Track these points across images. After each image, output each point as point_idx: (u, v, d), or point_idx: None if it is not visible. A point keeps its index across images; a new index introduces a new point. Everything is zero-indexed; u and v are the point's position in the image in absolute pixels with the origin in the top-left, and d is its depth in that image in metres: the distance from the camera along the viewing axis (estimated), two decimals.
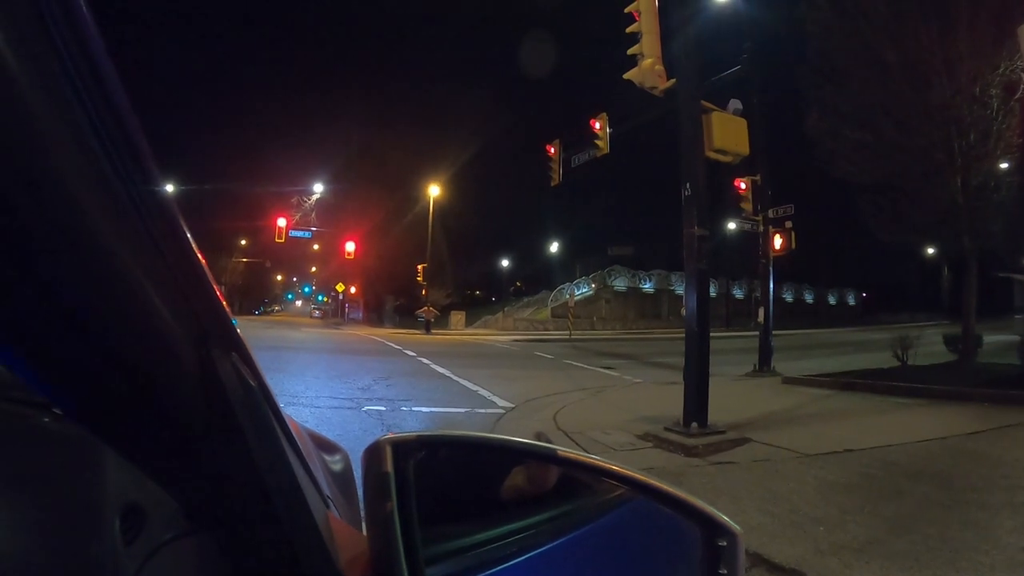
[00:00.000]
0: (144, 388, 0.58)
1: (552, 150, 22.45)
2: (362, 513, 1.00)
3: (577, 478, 1.05)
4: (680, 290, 57.17)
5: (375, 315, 58.19)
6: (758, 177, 17.04)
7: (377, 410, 9.01)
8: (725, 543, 0.97)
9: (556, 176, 21.02)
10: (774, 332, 17.43)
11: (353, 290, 55.04)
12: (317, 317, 77.04)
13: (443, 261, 48.90)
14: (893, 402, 10.52)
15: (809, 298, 74.90)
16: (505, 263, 68.37)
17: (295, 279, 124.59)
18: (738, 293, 65.98)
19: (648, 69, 8.26)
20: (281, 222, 43.21)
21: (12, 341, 0.51)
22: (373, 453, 0.84)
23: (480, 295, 67.72)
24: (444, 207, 45.38)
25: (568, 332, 37.11)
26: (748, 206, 17.10)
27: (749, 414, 9.11)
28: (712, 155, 7.63)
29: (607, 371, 17.16)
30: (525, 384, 13.49)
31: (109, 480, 0.67)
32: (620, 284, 57.68)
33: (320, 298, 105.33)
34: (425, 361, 18.53)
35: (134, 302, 0.55)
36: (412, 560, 0.77)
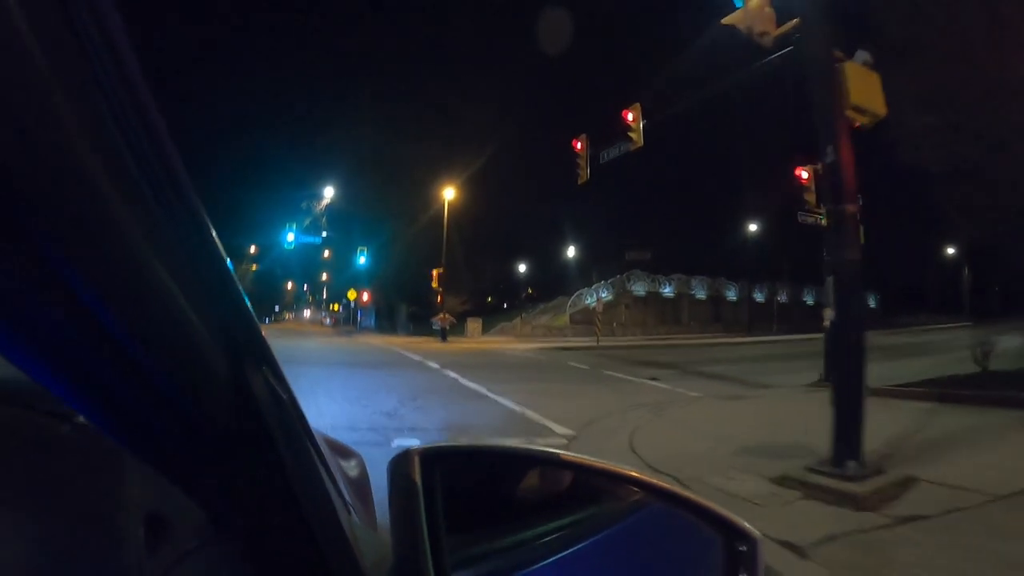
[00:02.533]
0: (175, 399, 0.59)
1: (579, 146, 21.01)
2: (377, 517, 1.16)
3: (595, 484, 1.08)
4: (700, 295, 57.63)
5: (387, 323, 56.61)
6: (819, 166, 15.27)
7: (411, 445, 7.15)
8: (745, 548, 0.97)
9: (583, 173, 19.81)
10: (802, 336, 15.71)
11: (366, 297, 53.18)
12: (328, 325, 76.19)
13: (458, 267, 47.20)
14: (1017, 417, 8.89)
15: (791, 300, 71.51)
16: (520, 269, 66.84)
17: (306, 287, 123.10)
18: (758, 297, 63.64)
19: (756, 10, 6.61)
20: (290, 227, 41.72)
21: (40, 351, 0.52)
22: (401, 462, 0.89)
23: (492, 302, 65.85)
24: (458, 212, 43.83)
25: (595, 339, 35.28)
26: (811, 197, 15.32)
27: (869, 440, 7.35)
28: (850, 114, 5.93)
29: (654, 383, 15.39)
30: (573, 402, 11.80)
31: (132, 489, 0.70)
32: (639, 289, 55.65)
33: (330, 306, 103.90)
34: (452, 375, 16.83)
35: (166, 313, 0.55)
36: (439, 566, 0.80)
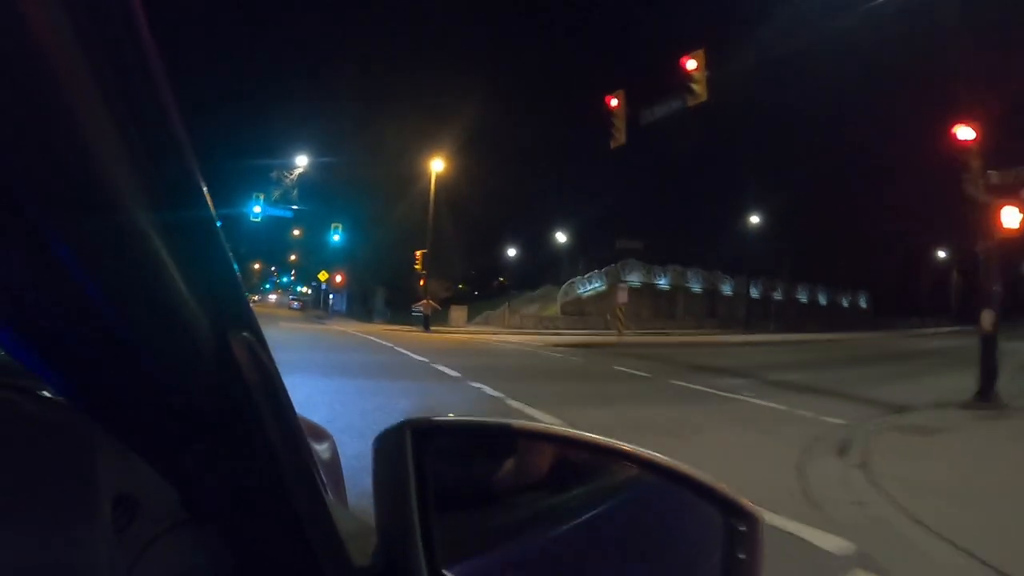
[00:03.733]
0: (152, 366, 0.57)
1: (614, 103, 17.66)
2: (349, 498, 1.18)
3: (593, 460, 1.06)
4: (696, 288, 54.85)
5: (361, 308, 51.94)
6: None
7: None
8: (745, 527, 0.95)
9: (620, 135, 17.58)
10: (822, 336, 12.03)
11: (339, 279, 48.37)
12: (296, 309, 70.89)
13: (443, 249, 42.72)
14: None
15: (823, 299, 69.84)
16: (509, 254, 62.59)
17: (273, 268, 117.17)
18: (753, 293, 60.60)
19: None
20: (257, 198, 37.02)
21: (15, 324, 0.50)
22: (390, 438, 0.84)
23: (472, 289, 61.32)
24: (444, 190, 39.26)
25: (616, 333, 30.44)
26: (976, 163, 11.16)
27: None
28: None
29: (759, 402, 11.34)
30: (687, 442, 7.69)
31: (102, 469, 0.66)
32: (634, 280, 51.75)
33: (298, 288, 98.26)
34: (476, 385, 11.95)
35: (150, 280, 0.53)
36: (429, 545, 0.78)
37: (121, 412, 0.61)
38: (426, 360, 16.70)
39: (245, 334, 0.64)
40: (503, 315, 45.14)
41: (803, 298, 65.86)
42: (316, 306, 65.85)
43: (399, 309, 44.91)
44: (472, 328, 39.85)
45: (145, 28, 0.45)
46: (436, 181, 37.31)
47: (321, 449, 1.36)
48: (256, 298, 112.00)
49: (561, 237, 61.39)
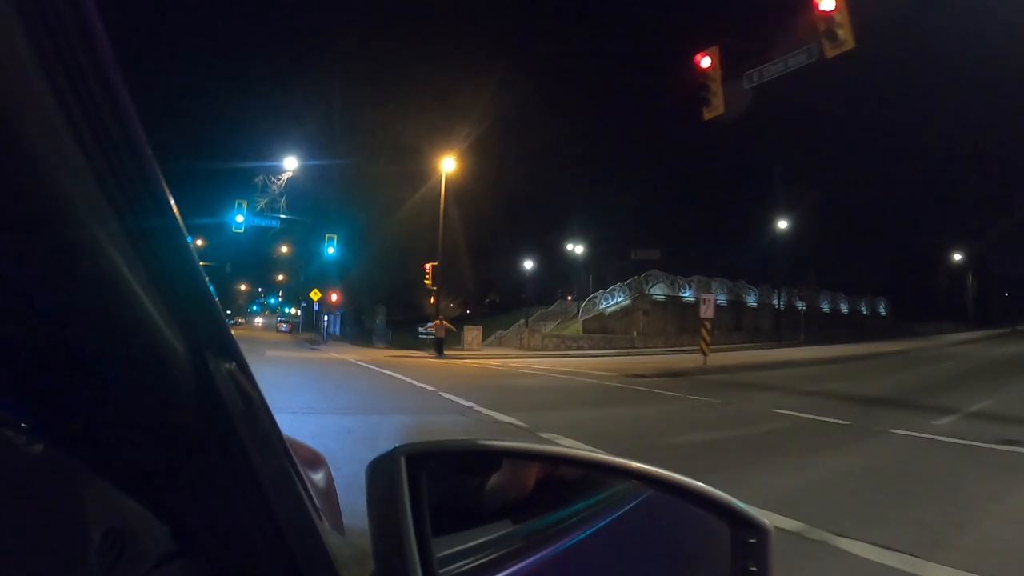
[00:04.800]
0: (132, 398, 0.57)
1: (706, 63, 13.75)
2: (344, 523, 1.12)
3: (596, 478, 1.07)
4: (722, 300, 49.73)
5: (357, 330, 46.70)
6: None
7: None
8: (754, 539, 0.94)
9: (716, 101, 14.25)
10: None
11: (334, 298, 42.87)
12: (285, 332, 66.29)
13: (456, 260, 37.59)
14: None
15: (844, 308, 66.58)
16: (516, 267, 55.84)
17: (260, 289, 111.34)
18: (778, 304, 56.75)
19: None
20: (240, 206, 31.92)
21: None
22: (384, 464, 0.84)
23: (481, 305, 55.98)
24: (452, 194, 34.10)
25: (702, 357, 22.73)
26: None
27: None
28: None
29: None
30: None
31: (87, 503, 0.66)
32: (659, 292, 48.00)
33: (287, 309, 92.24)
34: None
35: (125, 307, 0.51)
36: (427, 571, 0.78)
37: (101, 448, 0.60)
38: (479, 408, 11.13)
39: (227, 364, 0.62)
40: (521, 335, 40.31)
41: (826, 307, 62.78)
42: (307, 328, 60.13)
43: (401, 330, 39.94)
44: (488, 351, 34.83)
45: (95, 16, 0.43)
46: (445, 185, 32.32)
47: (316, 477, 1.30)
48: (242, 320, 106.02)
49: (571, 247, 56.22)
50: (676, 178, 59.31)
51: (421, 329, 35.36)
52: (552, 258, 55.22)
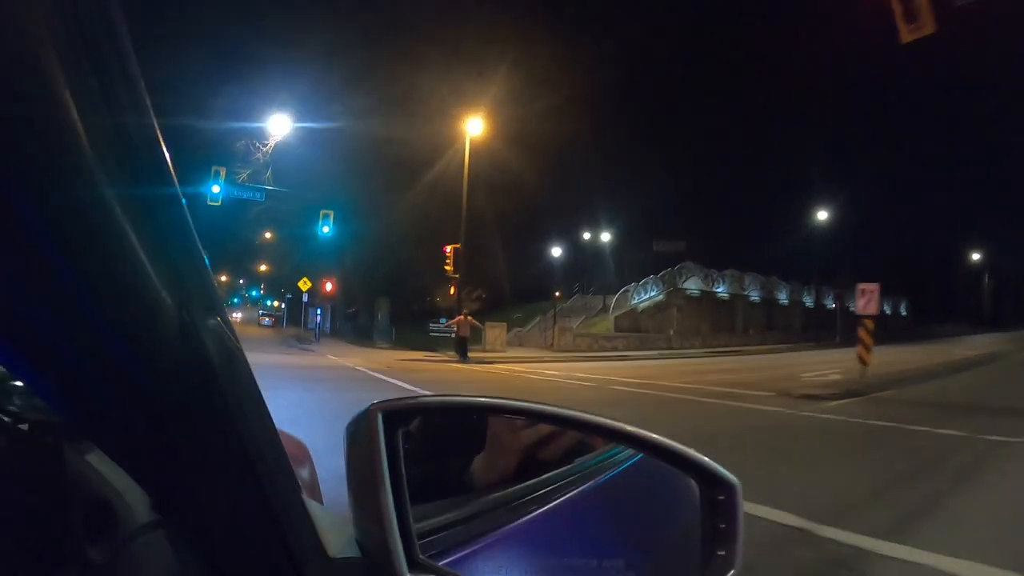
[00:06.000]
0: (117, 351, 0.56)
1: None
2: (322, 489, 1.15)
3: (573, 435, 1.05)
4: (754, 297, 47.22)
5: (350, 325, 40.73)
6: None
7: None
8: (723, 496, 0.96)
9: (924, 19, 11.31)
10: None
11: (329, 287, 36.68)
12: (267, 327, 60.25)
13: (483, 242, 31.68)
14: None
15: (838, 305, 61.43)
16: (544, 255, 49.64)
17: (242, 280, 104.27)
18: (807, 301, 53.34)
19: None
20: (216, 175, 25.98)
21: None
22: (361, 422, 0.82)
23: (487, 299, 49.50)
24: (472, 169, 27.99)
25: (860, 366, 16.18)
26: None
27: None
28: None
29: None
30: None
31: (74, 476, 0.68)
32: (693, 287, 42.90)
33: (269, 302, 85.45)
34: None
35: (111, 252, 0.51)
36: (406, 536, 0.76)
37: (87, 403, 0.59)
38: None
39: (212, 319, 0.62)
40: (546, 333, 34.70)
41: (850, 306, 56.54)
42: (291, 323, 54.25)
43: (404, 326, 34.22)
44: (513, 352, 29.27)
45: None
46: (470, 155, 26.55)
47: (294, 456, 1.22)
48: None
49: (589, 237, 50.66)
50: (703, 164, 53.82)
51: (433, 325, 29.72)
52: (569, 248, 49.23)
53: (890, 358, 21.61)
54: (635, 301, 40.51)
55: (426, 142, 30.13)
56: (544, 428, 1.00)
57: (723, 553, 0.93)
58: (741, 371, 20.83)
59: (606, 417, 0.98)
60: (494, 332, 29.94)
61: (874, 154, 68.13)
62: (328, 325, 41.39)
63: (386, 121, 31.21)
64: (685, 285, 42.38)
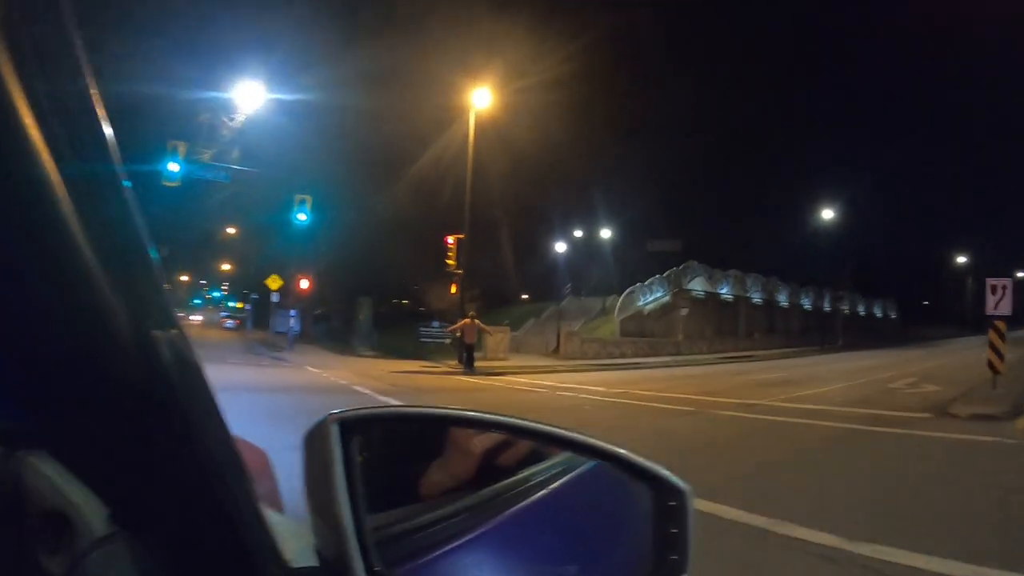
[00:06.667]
0: (70, 361, 0.57)
1: None
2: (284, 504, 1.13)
3: (528, 445, 1.05)
4: (756, 299, 45.57)
5: (323, 329, 36.72)
6: None
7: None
8: (675, 502, 0.98)
9: None
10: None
11: (304, 284, 32.07)
12: (230, 328, 55.98)
13: (476, 237, 27.76)
14: None
15: (861, 311, 61.62)
16: (520, 257, 46.08)
17: (204, 282, 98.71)
18: (805, 304, 52.25)
19: None
20: (174, 151, 21.81)
21: None
22: (318, 432, 0.82)
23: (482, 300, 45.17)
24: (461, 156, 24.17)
25: (992, 376, 13.19)
26: None
27: None
28: None
29: None
30: None
31: (26, 486, 0.68)
32: (698, 289, 40.47)
33: (231, 303, 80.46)
34: None
35: (64, 262, 0.51)
36: (362, 543, 0.76)
37: (39, 412, 0.60)
38: None
39: (167, 330, 0.61)
40: (548, 338, 31.26)
41: (845, 309, 56.08)
42: (258, 326, 49.50)
43: (388, 329, 30.34)
44: (521, 361, 25.62)
45: None
46: (467, 132, 22.75)
47: (254, 465, 1.23)
48: (180, 314, 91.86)
49: (582, 235, 47.60)
50: (700, 160, 51.39)
51: (424, 329, 26.02)
52: (562, 248, 45.53)
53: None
54: (641, 303, 37.40)
55: (419, 120, 26.34)
56: (500, 437, 0.99)
57: (675, 557, 0.96)
58: (803, 382, 17.93)
59: (556, 426, 0.99)
60: (495, 338, 26.10)
61: (861, 156, 68.32)
62: (298, 327, 37.00)
63: (374, 94, 27.22)
64: (690, 286, 39.92)
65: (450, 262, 22.78)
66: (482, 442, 0.99)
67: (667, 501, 0.99)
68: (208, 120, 24.40)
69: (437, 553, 0.87)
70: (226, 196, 29.60)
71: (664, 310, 37.32)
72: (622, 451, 1.00)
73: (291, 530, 0.80)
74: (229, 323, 60.27)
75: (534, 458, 1.08)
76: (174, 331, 0.60)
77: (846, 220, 55.74)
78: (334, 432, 0.79)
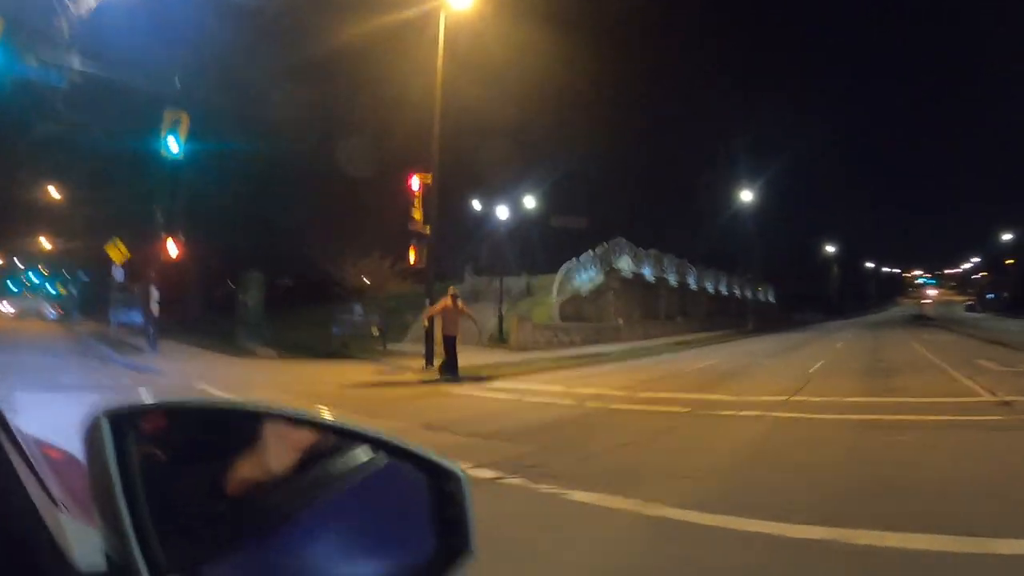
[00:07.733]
0: None
1: None
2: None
3: (322, 440, 1.03)
4: (673, 281, 44.44)
5: (176, 318, 27.39)
6: None
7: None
8: (451, 488, 1.00)
9: None
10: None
11: (174, 252, 19.70)
12: (53, 320, 45.53)
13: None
14: None
15: (736, 292, 60.55)
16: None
17: (16, 259, 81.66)
18: (709, 287, 52.27)
19: None
20: None
21: None
22: (91, 431, 0.79)
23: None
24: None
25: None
26: None
27: None
28: None
29: None
30: None
31: None
32: (625, 268, 37.38)
33: (48, 286, 67.11)
34: None
35: None
36: (145, 545, 0.74)
37: None
38: None
39: None
40: (483, 326, 24.94)
41: (709, 288, 54.92)
42: (86, 314, 39.11)
43: (278, 315, 23.20)
44: (474, 357, 19.03)
45: None
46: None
47: (57, 466, 1.19)
48: None
49: (479, 206, 40.93)
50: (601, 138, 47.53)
51: (343, 317, 19.23)
52: (454, 219, 39.15)
53: None
54: (577, 282, 33.00)
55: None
56: (296, 433, 0.96)
57: (456, 539, 0.98)
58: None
59: (350, 422, 1.00)
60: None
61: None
62: (135, 317, 27.42)
63: None
64: (618, 265, 36.64)
65: (416, 215, 15.93)
66: (277, 437, 0.93)
67: (444, 487, 0.99)
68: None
69: (229, 552, 0.84)
70: (54, 132, 21.21)
71: (598, 292, 33.71)
72: (397, 440, 1.00)
73: (83, 533, 0.76)
74: (51, 314, 49.28)
75: (327, 452, 0.99)
76: None
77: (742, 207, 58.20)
78: (105, 428, 0.75)
